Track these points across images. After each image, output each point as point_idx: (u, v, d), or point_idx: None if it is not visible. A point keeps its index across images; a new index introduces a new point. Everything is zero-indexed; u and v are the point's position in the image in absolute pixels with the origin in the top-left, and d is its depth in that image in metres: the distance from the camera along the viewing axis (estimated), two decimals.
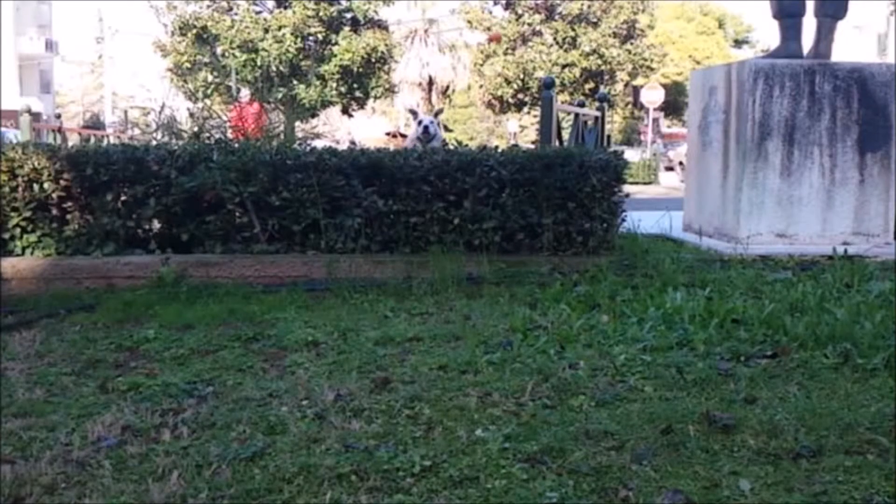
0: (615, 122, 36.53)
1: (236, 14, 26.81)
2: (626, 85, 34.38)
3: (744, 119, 6.50)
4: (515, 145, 6.92)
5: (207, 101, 19.72)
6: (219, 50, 26.11)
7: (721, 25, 49.53)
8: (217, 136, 6.48)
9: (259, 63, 25.21)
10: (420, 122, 6.97)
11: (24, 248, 5.16)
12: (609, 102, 15.57)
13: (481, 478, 2.22)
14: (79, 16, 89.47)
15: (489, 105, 32.42)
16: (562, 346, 3.53)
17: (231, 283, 4.94)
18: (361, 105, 29.02)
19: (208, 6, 26.72)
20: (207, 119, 7.13)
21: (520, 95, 30.53)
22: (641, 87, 32.23)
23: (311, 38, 26.83)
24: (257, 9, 27.40)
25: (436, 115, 7.41)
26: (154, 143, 6.31)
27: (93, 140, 15.32)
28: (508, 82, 30.18)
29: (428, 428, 2.59)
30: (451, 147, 5.60)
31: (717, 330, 3.69)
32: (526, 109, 31.78)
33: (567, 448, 2.40)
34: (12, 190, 5.14)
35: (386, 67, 28.37)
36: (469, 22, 32.40)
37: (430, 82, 40.00)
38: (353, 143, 6.24)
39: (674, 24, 44.74)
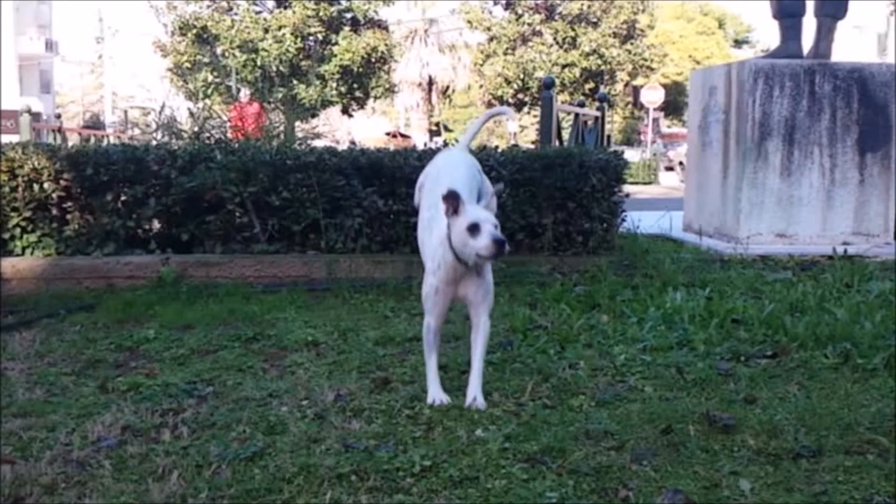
0: (615, 122, 36.53)
1: (236, 14, 26.85)
2: (626, 85, 34.39)
3: (744, 119, 6.50)
4: (515, 145, 6.81)
5: (207, 101, 19.73)
6: (219, 50, 26.14)
7: (721, 25, 49.55)
8: (217, 136, 6.47)
9: (259, 63, 25.25)
10: (476, 227, 2.78)
11: (24, 248, 5.16)
12: (609, 102, 15.58)
13: (481, 478, 2.22)
14: (79, 16, 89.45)
15: (489, 105, 32.39)
16: (562, 346, 3.53)
17: (231, 283, 4.94)
18: (361, 105, 29.04)
19: (208, 6, 26.75)
20: (207, 119, 7.12)
21: (520, 95, 30.54)
22: (641, 87, 32.25)
23: (311, 38, 26.85)
24: (257, 9, 27.43)
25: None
26: (154, 143, 6.30)
27: (93, 140, 15.32)
28: (508, 82, 30.20)
29: (428, 428, 2.59)
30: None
31: (717, 330, 3.69)
32: (526, 109, 31.79)
33: (567, 448, 2.40)
34: (12, 190, 5.14)
35: (386, 67, 28.40)
36: (469, 22, 32.42)
37: (430, 82, 40.08)
38: (353, 143, 6.23)
39: (674, 24, 44.75)
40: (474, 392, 2.82)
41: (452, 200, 2.83)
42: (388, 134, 38.55)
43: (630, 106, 39.27)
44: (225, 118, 7.93)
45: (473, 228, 2.79)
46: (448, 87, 40.03)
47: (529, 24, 30.41)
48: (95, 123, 42.26)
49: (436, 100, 40.53)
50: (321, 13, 26.28)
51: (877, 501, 2.09)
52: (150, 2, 26.64)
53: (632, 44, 30.51)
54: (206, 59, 25.71)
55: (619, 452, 2.39)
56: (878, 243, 6.39)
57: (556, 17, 30.53)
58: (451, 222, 2.84)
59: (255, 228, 5.26)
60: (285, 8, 26.55)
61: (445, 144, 5.95)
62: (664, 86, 32.42)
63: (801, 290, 4.44)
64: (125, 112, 36.58)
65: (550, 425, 2.59)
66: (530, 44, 30.30)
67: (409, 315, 4.24)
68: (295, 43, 25.91)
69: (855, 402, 2.80)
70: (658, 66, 33.11)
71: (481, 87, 32.17)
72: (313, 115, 24.42)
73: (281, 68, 25.44)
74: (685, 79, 32.42)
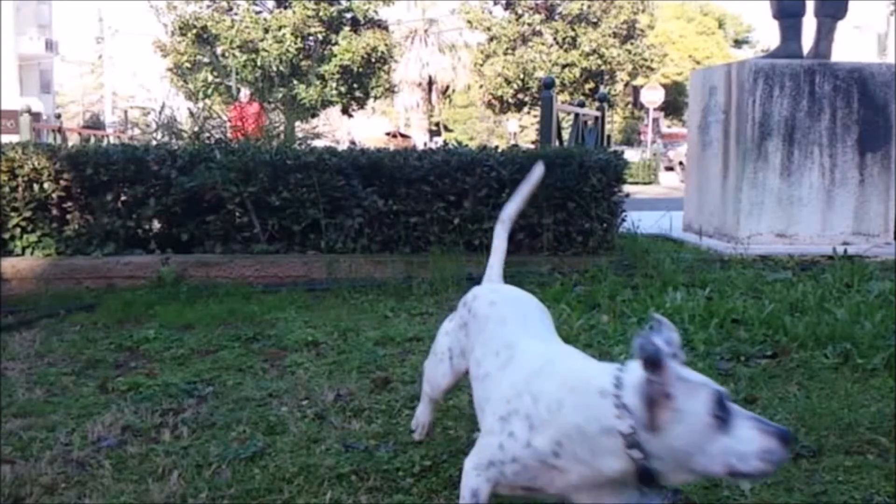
0: (615, 122, 36.53)
1: (236, 14, 26.87)
2: (626, 85, 34.39)
3: (744, 119, 6.50)
4: (515, 145, 6.80)
5: (207, 101, 19.74)
6: (219, 50, 26.15)
7: (721, 25, 49.60)
8: (217, 136, 6.48)
9: (259, 63, 25.26)
10: (725, 411, 1.42)
11: (24, 248, 5.17)
12: (609, 102, 15.59)
13: None
14: (79, 16, 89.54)
15: (489, 105, 32.44)
16: None
17: (231, 283, 4.94)
18: (361, 105, 29.05)
19: (208, 6, 26.77)
20: (207, 119, 7.13)
21: (520, 95, 30.56)
22: (641, 87, 32.26)
23: (311, 38, 26.87)
24: (257, 9, 27.45)
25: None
26: (154, 143, 6.31)
27: (93, 140, 15.33)
28: (508, 82, 30.21)
29: None
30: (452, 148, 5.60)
31: (717, 330, 3.69)
32: (526, 109, 31.81)
33: None
34: (12, 190, 5.14)
35: (386, 67, 28.41)
36: (469, 22, 32.43)
37: (430, 82, 40.10)
38: (353, 143, 6.24)
39: (674, 24, 44.79)
40: None
41: (652, 352, 1.42)
42: (388, 134, 38.58)
43: (630, 106, 39.28)
44: (225, 118, 7.94)
45: (722, 415, 1.43)
46: (448, 87, 40.04)
47: (529, 24, 30.43)
48: (95, 123, 42.28)
49: (436, 100, 40.54)
50: (321, 13, 26.29)
51: (877, 501, 2.09)
52: (150, 2, 26.67)
53: (632, 44, 30.52)
54: (206, 59, 25.73)
55: None
56: (878, 243, 6.39)
57: (556, 17, 30.55)
58: (659, 406, 1.43)
59: (255, 228, 5.26)
60: (285, 8, 26.57)
61: (445, 144, 5.96)
62: (664, 86, 32.44)
63: (801, 290, 4.43)
64: (125, 112, 36.63)
65: None
66: (530, 44, 30.31)
67: (409, 315, 4.24)
68: (295, 43, 25.92)
69: (855, 402, 2.79)
70: (658, 66, 33.12)
71: (481, 87, 32.18)
72: (313, 115, 24.45)
73: (281, 68, 25.45)
74: (685, 79, 32.45)
